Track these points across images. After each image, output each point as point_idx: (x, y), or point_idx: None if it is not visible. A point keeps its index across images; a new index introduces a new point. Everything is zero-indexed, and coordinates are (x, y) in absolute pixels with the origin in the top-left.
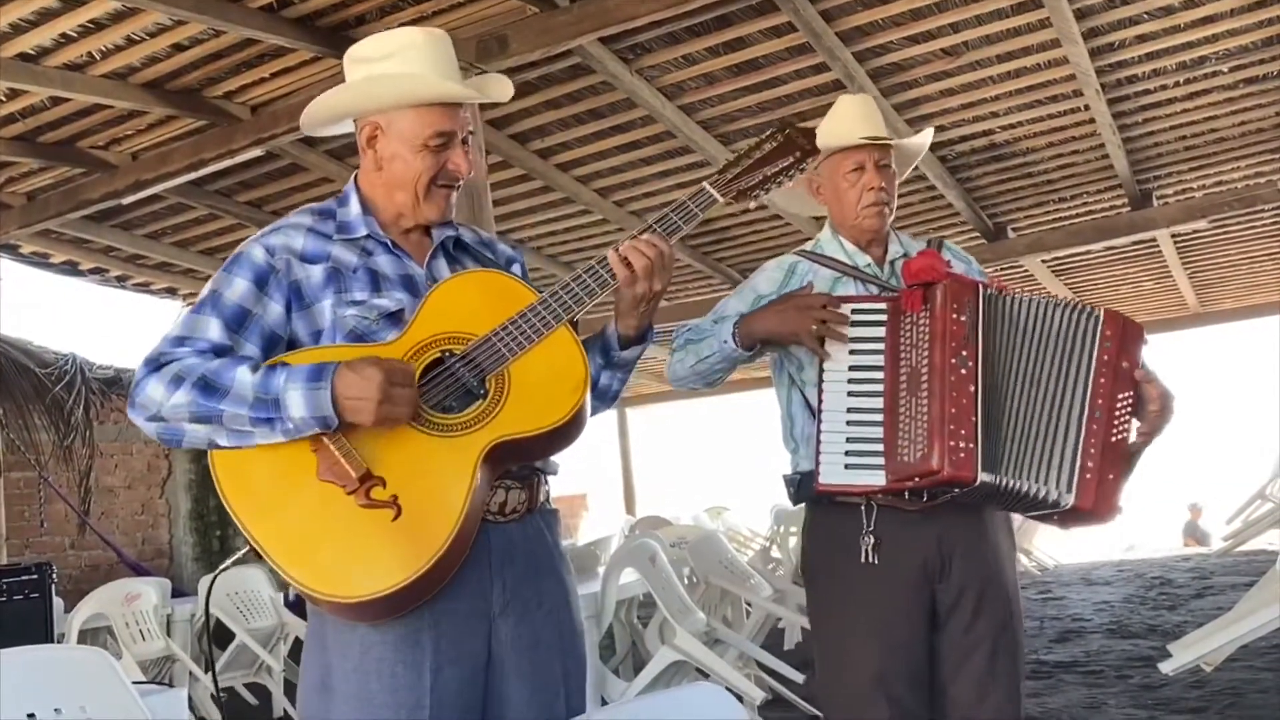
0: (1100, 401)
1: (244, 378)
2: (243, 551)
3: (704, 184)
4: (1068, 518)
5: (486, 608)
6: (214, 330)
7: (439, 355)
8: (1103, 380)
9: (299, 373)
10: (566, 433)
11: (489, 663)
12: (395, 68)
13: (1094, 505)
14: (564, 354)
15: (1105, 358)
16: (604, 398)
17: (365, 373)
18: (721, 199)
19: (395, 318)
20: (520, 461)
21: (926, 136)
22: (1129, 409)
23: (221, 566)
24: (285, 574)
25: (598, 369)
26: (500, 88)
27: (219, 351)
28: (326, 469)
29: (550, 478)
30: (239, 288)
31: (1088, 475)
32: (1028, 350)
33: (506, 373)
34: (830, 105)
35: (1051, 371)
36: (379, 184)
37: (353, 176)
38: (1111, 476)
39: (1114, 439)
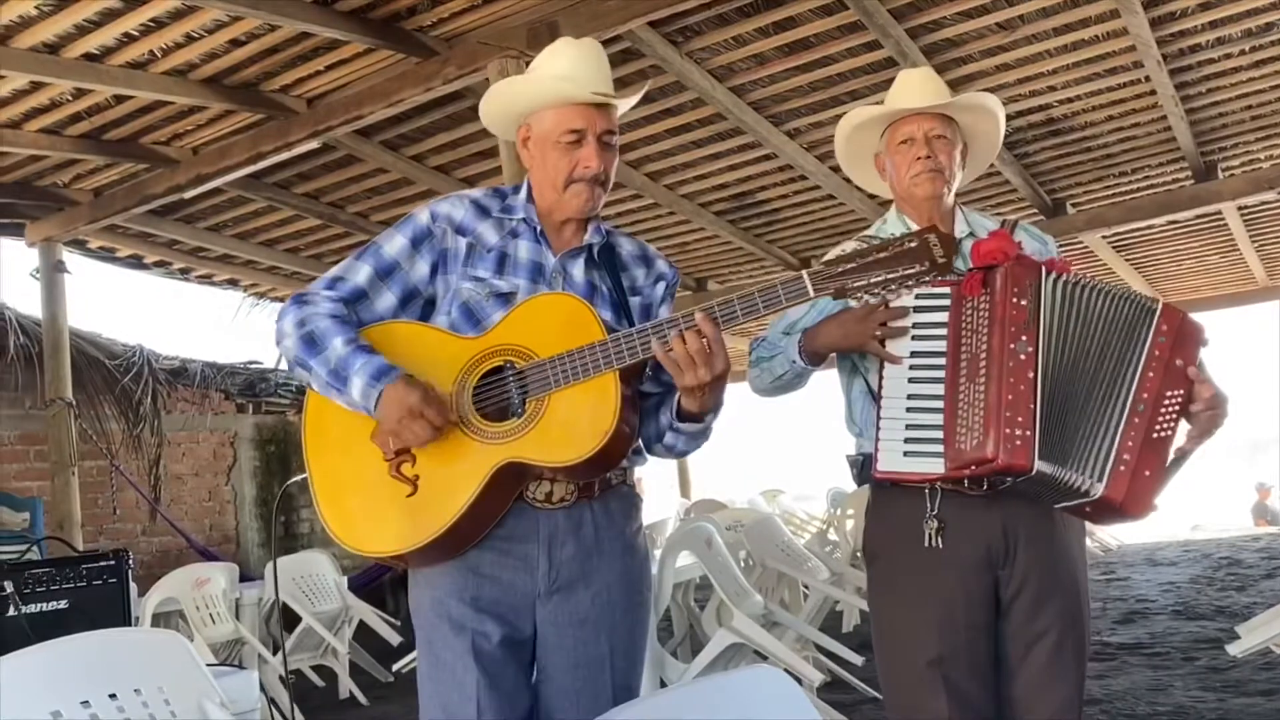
0: (1146, 395)
1: (336, 347)
2: (301, 476)
3: (802, 273)
4: (1098, 510)
5: (532, 585)
6: (363, 276)
7: (502, 364)
8: (1151, 374)
9: (370, 366)
10: (580, 469)
11: (535, 638)
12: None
13: (1124, 499)
14: (600, 401)
15: (1157, 352)
16: (670, 451)
17: (408, 394)
18: (814, 294)
19: (506, 298)
20: (541, 477)
21: (985, 100)
22: (1177, 407)
23: (288, 484)
24: (317, 507)
25: (665, 426)
26: (629, 99)
27: (357, 296)
28: (379, 433)
29: (634, 462)
30: (397, 244)
31: (1122, 468)
32: (1085, 337)
33: (547, 399)
34: (883, 83)
35: (1103, 360)
36: (537, 178)
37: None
38: (1148, 473)
39: (1156, 435)
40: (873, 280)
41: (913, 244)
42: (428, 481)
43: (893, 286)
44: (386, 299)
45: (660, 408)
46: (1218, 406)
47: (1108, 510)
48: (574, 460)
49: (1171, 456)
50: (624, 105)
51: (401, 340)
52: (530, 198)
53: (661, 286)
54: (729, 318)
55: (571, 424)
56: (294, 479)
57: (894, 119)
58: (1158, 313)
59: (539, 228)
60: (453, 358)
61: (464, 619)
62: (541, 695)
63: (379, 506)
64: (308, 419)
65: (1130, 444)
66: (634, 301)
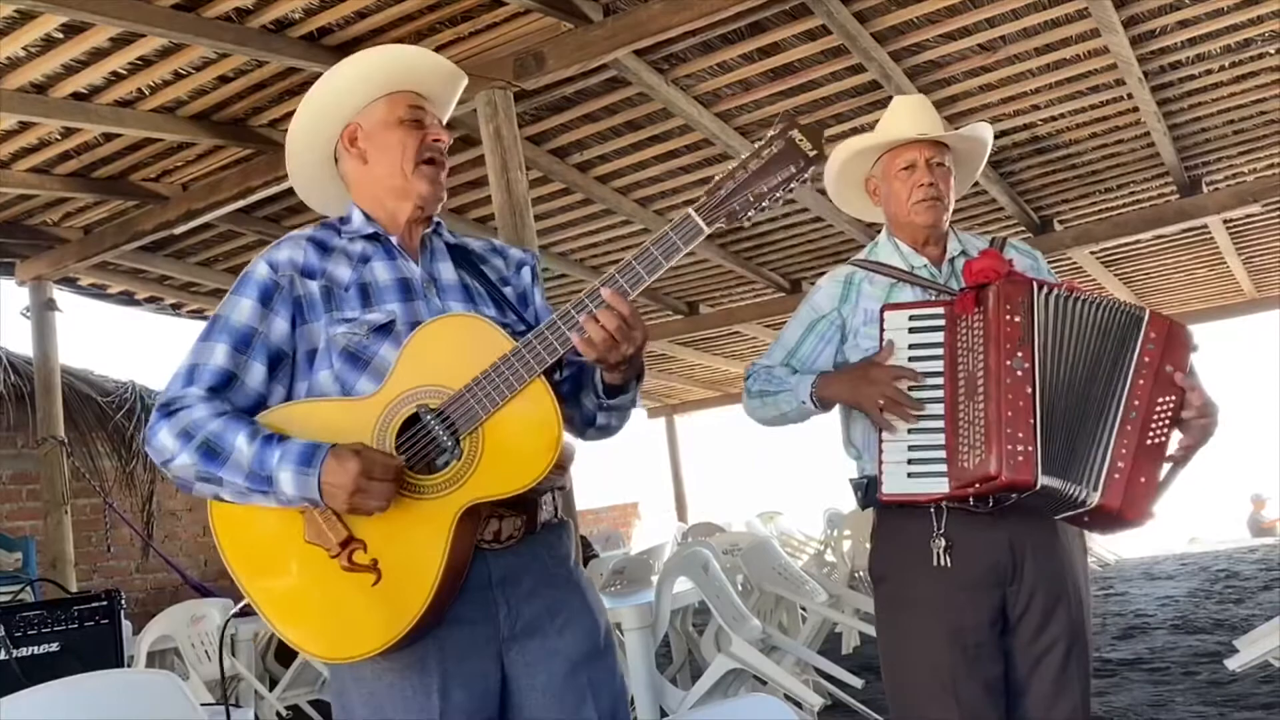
0: (1137, 402)
1: (242, 447)
2: (243, 604)
3: (689, 210)
4: (1096, 519)
5: (494, 632)
6: (220, 355)
7: (415, 411)
8: (1141, 381)
9: (291, 454)
10: (541, 486)
11: (506, 684)
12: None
13: (1121, 506)
14: (537, 412)
15: (1146, 359)
16: (605, 432)
17: (345, 463)
18: (707, 229)
19: (385, 330)
20: (490, 515)
21: (983, 131)
22: (1169, 413)
23: (230, 613)
24: (276, 630)
25: (595, 408)
26: (459, 81)
27: (226, 380)
28: (313, 533)
29: (558, 493)
30: (245, 308)
31: (1116, 475)
32: (1079, 349)
33: (481, 431)
34: (867, 106)
35: (1094, 370)
36: (368, 181)
37: (350, 203)
38: (1144, 479)
39: (1150, 442)
40: (754, 194)
41: (780, 146)
42: (389, 561)
43: (779, 193)
44: (255, 372)
45: (580, 392)
46: (1209, 414)
47: (1106, 518)
48: (534, 480)
49: (1168, 464)
50: (452, 91)
51: (299, 422)
52: (367, 216)
53: (527, 271)
54: (636, 282)
55: (516, 445)
56: (238, 607)
57: (893, 146)
58: (1146, 320)
59: (390, 238)
60: (360, 423)
61: (430, 688)
62: None
63: (346, 606)
64: (222, 537)
65: (1124, 451)
66: (506, 292)
